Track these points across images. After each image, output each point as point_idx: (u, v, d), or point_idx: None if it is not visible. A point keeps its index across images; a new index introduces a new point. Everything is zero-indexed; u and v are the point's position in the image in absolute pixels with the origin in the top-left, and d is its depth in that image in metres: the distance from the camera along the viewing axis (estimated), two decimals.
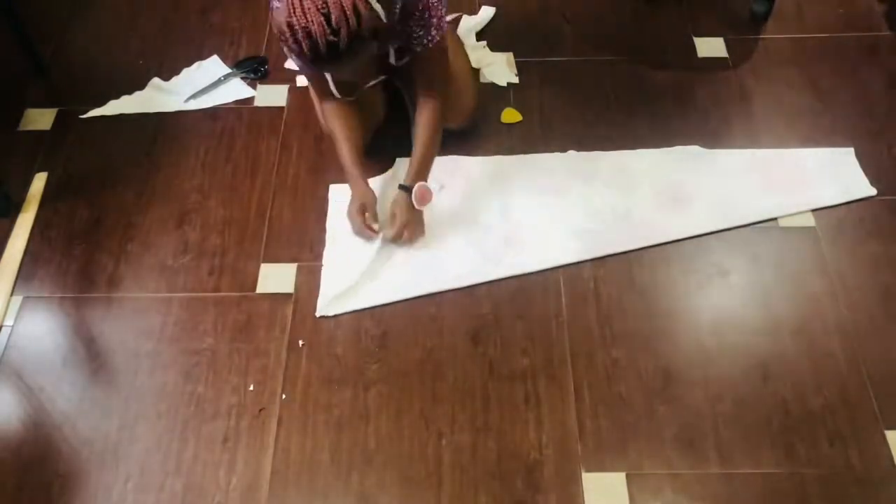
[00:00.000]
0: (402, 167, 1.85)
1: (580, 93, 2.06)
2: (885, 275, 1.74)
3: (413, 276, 1.73)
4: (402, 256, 1.76)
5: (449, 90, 1.81)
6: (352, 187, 1.78)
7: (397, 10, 1.56)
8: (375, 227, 1.75)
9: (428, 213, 1.79)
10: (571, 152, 1.91)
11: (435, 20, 1.62)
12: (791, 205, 1.83)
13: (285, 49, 1.52)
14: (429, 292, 1.71)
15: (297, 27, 1.36)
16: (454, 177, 1.89)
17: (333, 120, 1.78)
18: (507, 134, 1.98)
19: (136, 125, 2.02)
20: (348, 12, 1.36)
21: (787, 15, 2.25)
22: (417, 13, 1.59)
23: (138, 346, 1.65)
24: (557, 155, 1.92)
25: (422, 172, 1.75)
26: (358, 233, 1.76)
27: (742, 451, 1.51)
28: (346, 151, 1.77)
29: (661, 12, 2.27)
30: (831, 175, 1.88)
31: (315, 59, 1.41)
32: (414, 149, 1.76)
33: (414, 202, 1.73)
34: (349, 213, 1.77)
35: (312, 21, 1.35)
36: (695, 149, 1.93)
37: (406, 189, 1.73)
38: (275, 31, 1.44)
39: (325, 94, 1.78)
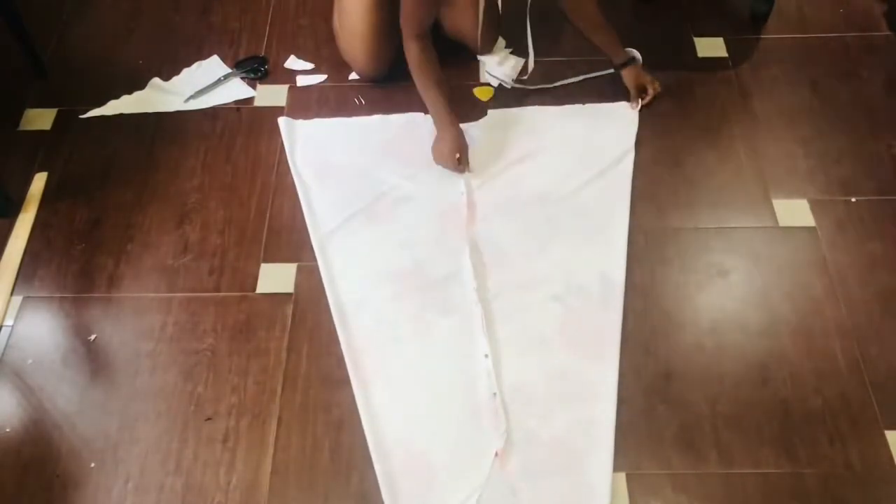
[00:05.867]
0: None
1: (580, 93, 2.06)
2: (885, 275, 1.74)
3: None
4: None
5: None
6: (444, 130, 1.86)
7: None
8: (467, 170, 1.88)
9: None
10: None
11: None
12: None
13: None
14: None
15: None
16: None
17: (424, 63, 1.85)
18: None
19: (136, 125, 2.02)
20: None
21: (787, 15, 2.25)
22: None
23: (138, 346, 1.65)
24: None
25: (619, 45, 1.98)
26: (453, 170, 1.87)
27: (742, 451, 1.51)
28: (437, 94, 1.86)
29: (661, 12, 2.27)
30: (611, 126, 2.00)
31: None
32: (600, 34, 1.96)
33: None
34: (442, 154, 1.86)
35: None
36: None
37: (630, 62, 1.98)
38: None
39: (421, 28, 1.83)
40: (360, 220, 1.81)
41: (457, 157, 1.84)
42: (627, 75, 1.99)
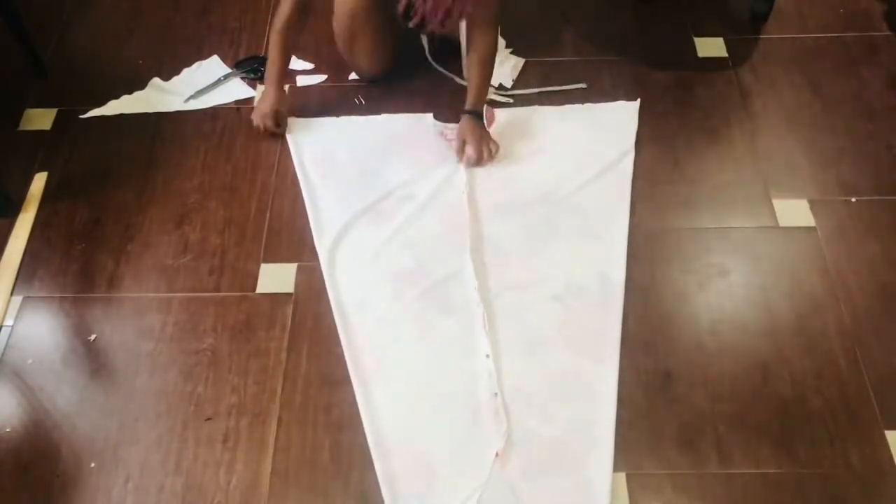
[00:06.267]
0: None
1: (580, 93, 2.06)
2: (885, 275, 1.74)
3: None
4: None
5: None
6: (268, 90, 1.93)
7: None
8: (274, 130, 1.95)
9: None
10: None
11: None
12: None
13: None
14: None
15: None
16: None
17: (284, 30, 1.90)
18: None
19: (136, 125, 2.02)
20: None
21: (787, 15, 2.25)
22: None
23: (138, 346, 1.65)
24: None
25: (483, 97, 1.90)
26: (256, 125, 1.95)
27: (742, 451, 1.51)
28: (279, 58, 1.91)
29: (661, 12, 2.27)
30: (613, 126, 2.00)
31: None
32: (472, 75, 1.89)
33: (486, 123, 1.89)
34: (259, 109, 1.93)
35: None
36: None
37: (473, 114, 1.87)
38: None
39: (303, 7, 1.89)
40: (363, 220, 1.81)
41: (272, 118, 1.91)
42: (463, 124, 1.88)
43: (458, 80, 2.05)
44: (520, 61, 2.13)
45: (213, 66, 2.14)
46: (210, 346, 1.65)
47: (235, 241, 1.81)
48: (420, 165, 1.90)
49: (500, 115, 2.01)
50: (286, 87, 2.08)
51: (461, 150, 1.88)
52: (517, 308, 1.67)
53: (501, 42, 2.17)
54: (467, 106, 1.89)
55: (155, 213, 1.86)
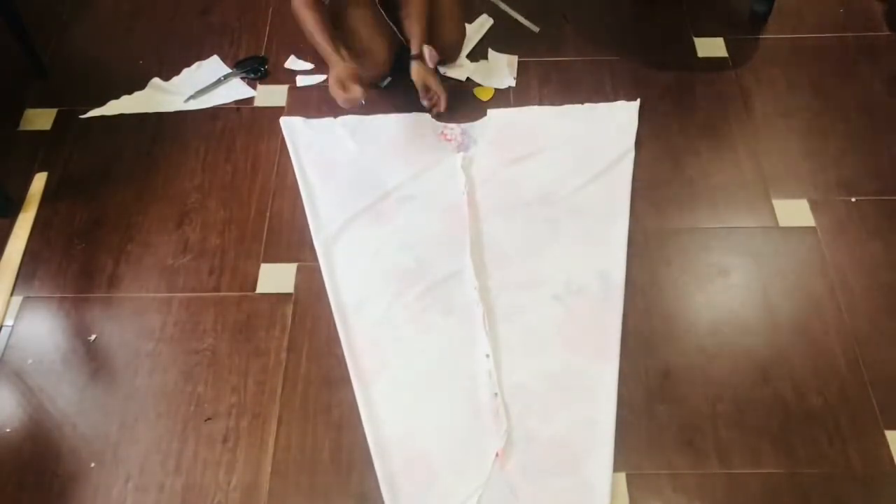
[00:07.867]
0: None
1: (580, 93, 2.06)
2: (885, 275, 1.74)
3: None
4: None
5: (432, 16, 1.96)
6: (331, 65, 1.84)
7: None
8: (359, 91, 1.80)
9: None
10: None
11: None
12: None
13: None
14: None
15: None
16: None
17: (313, 7, 1.88)
18: None
19: (136, 125, 2.02)
20: None
21: (787, 15, 2.25)
22: None
23: (138, 346, 1.65)
24: None
25: (424, 39, 1.92)
26: (344, 103, 1.82)
27: (742, 451, 1.51)
28: (319, 31, 1.85)
29: (661, 12, 2.27)
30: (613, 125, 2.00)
31: None
32: (414, 22, 1.91)
33: (428, 62, 1.89)
34: (331, 87, 1.82)
35: None
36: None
37: (418, 57, 1.90)
38: None
39: None
40: (362, 220, 1.81)
41: (345, 87, 1.80)
42: (419, 70, 1.92)
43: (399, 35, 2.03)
44: (513, 58, 2.12)
45: (213, 66, 2.14)
46: (210, 346, 1.65)
47: (235, 241, 1.81)
48: (419, 165, 1.90)
49: (501, 115, 2.01)
50: (287, 86, 2.10)
51: (426, 97, 1.95)
52: (517, 308, 1.67)
53: (501, 56, 2.17)
54: (415, 50, 1.91)
55: (155, 213, 1.86)
